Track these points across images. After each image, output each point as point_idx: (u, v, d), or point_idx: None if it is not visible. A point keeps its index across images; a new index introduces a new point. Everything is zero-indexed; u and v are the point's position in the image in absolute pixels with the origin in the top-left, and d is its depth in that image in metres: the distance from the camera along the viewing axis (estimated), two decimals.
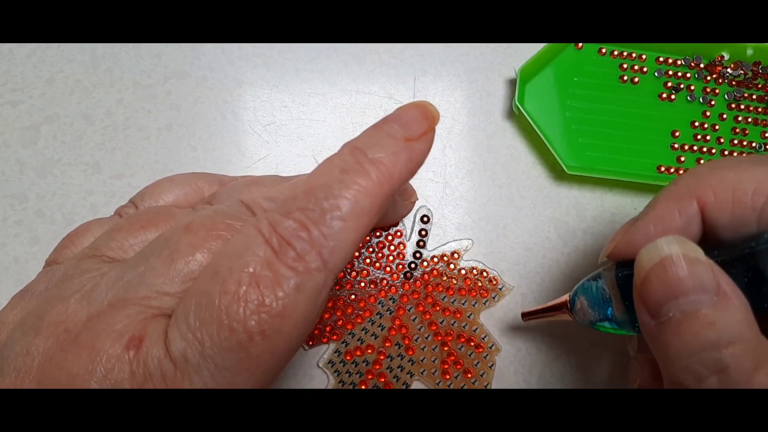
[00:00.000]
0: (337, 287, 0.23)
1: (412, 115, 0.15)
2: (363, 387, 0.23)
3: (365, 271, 0.24)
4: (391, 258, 0.24)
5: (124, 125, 0.25)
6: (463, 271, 0.24)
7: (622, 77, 0.27)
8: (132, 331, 0.13)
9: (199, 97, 0.26)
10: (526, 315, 0.22)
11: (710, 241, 0.16)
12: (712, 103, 0.27)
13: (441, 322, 0.23)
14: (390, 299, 0.24)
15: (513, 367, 0.24)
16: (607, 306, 0.18)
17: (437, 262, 0.24)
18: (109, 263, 0.15)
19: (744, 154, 0.26)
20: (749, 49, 0.27)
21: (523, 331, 0.24)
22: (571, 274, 0.25)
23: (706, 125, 0.26)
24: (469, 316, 0.24)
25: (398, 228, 0.24)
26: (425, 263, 0.24)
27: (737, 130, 0.26)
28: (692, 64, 0.27)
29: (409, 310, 0.24)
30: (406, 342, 0.23)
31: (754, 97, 0.27)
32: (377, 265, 0.24)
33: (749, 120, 0.26)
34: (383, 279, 0.24)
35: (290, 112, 0.26)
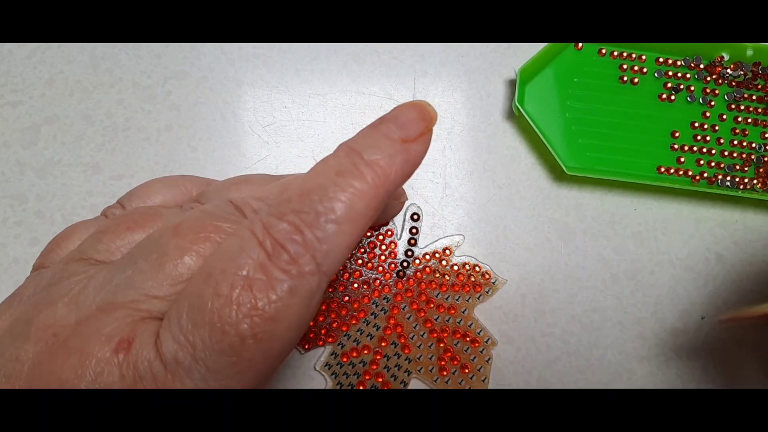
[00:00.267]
0: (330, 289, 0.23)
1: (410, 116, 0.15)
2: (361, 388, 0.23)
3: (358, 272, 0.24)
4: (383, 257, 0.24)
5: (124, 126, 0.25)
6: (455, 267, 0.24)
7: (622, 78, 0.27)
8: (121, 333, 0.13)
9: (199, 97, 0.26)
10: (726, 321, 0.21)
11: None
12: (712, 103, 0.27)
13: (436, 319, 0.23)
14: (384, 299, 0.24)
15: (513, 367, 0.24)
16: None
17: (429, 260, 0.24)
18: (96, 265, 0.15)
19: (744, 155, 0.26)
20: (749, 50, 0.27)
21: (522, 330, 0.24)
22: (571, 275, 0.25)
23: (705, 126, 0.26)
24: (463, 312, 0.24)
25: (389, 227, 0.24)
26: (417, 261, 0.24)
27: (737, 131, 0.26)
28: (692, 65, 0.27)
29: (403, 309, 0.24)
30: (402, 341, 0.23)
31: (754, 97, 0.27)
32: (369, 265, 0.24)
33: (749, 121, 0.27)
34: (376, 279, 0.24)
35: (290, 112, 0.26)
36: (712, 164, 0.26)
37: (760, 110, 0.27)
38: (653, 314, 0.25)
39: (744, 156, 0.26)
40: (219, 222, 0.14)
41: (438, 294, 0.24)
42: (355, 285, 0.24)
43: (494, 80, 0.27)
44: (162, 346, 0.12)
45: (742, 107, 0.27)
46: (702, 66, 0.27)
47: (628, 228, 0.26)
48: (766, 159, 0.26)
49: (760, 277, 0.25)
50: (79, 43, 0.26)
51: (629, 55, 0.27)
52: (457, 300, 0.24)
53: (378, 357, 0.23)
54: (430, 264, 0.24)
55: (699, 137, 0.26)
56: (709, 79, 0.27)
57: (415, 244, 0.24)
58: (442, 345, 0.23)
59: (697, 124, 0.26)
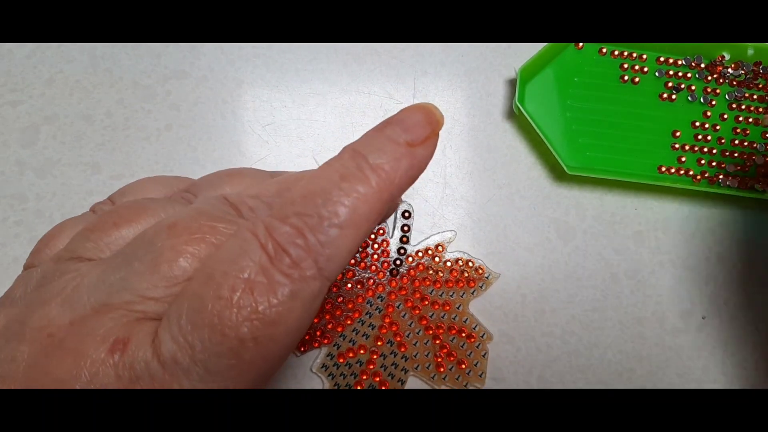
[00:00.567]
0: None
1: (416, 119, 0.15)
2: (358, 388, 0.23)
3: (351, 272, 0.24)
4: (375, 257, 0.24)
5: (124, 125, 0.25)
6: (448, 263, 0.24)
7: (622, 77, 0.27)
8: (116, 334, 0.13)
9: (199, 97, 0.26)
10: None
11: None
12: (713, 103, 0.26)
13: (431, 316, 0.23)
14: (378, 298, 0.24)
15: (513, 367, 0.24)
16: None
17: (422, 257, 0.24)
18: (87, 263, 0.15)
19: (745, 155, 0.26)
20: (750, 49, 0.27)
21: (522, 329, 0.24)
22: (572, 274, 0.25)
23: (706, 125, 0.26)
24: (458, 308, 0.24)
25: (380, 226, 0.24)
26: (410, 259, 0.24)
27: (738, 131, 0.26)
28: (693, 64, 0.27)
29: (398, 307, 0.24)
30: (398, 339, 0.23)
31: (755, 97, 0.27)
32: (362, 264, 0.24)
33: (750, 120, 0.26)
34: (369, 278, 0.24)
35: (290, 112, 0.26)
36: (713, 164, 0.26)
37: (761, 110, 0.27)
38: (653, 314, 0.25)
39: (745, 156, 0.26)
40: (215, 222, 0.14)
41: (432, 291, 0.24)
42: (349, 285, 0.24)
43: (494, 80, 0.27)
44: (161, 346, 0.12)
45: (743, 107, 0.27)
46: (703, 65, 0.27)
47: (629, 228, 0.26)
48: (767, 158, 0.26)
49: (761, 276, 0.25)
50: (79, 43, 0.26)
51: (630, 54, 0.27)
52: (451, 296, 0.24)
53: (374, 356, 0.23)
54: (423, 261, 0.24)
55: (700, 137, 0.26)
56: (709, 78, 0.27)
57: (407, 242, 0.24)
58: (438, 342, 0.23)
59: (698, 124, 0.26)
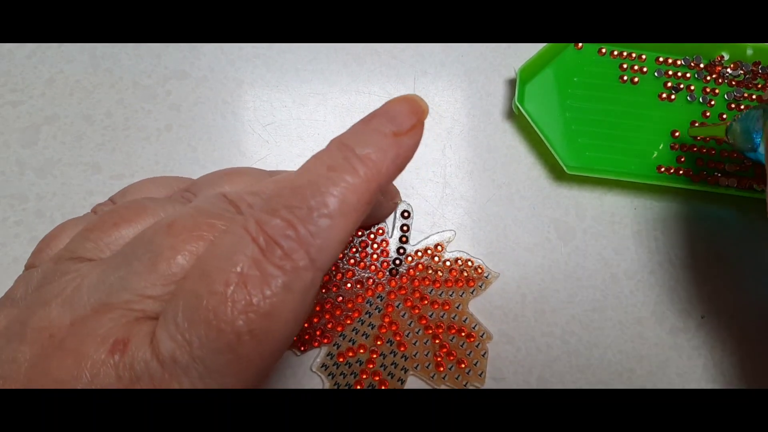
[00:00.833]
0: (323, 290, 0.23)
1: (400, 109, 0.15)
2: (358, 387, 0.23)
3: (350, 272, 0.24)
4: (375, 256, 0.24)
5: (124, 126, 0.25)
6: (447, 263, 0.24)
7: (621, 77, 0.27)
8: (116, 334, 0.13)
9: (199, 97, 0.26)
10: (689, 132, 0.25)
11: None
12: (712, 103, 0.27)
13: (430, 316, 0.23)
14: (378, 297, 0.24)
15: (513, 367, 0.24)
16: (757, 136, 0.21)
17: (421, 256, 0.24)
18: (87, 264, 0.15)
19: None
20: (749, 49, 0.27)
21: (522, 329, 0.24)
22: (572, 274, 0.25)
23: (706, 125, 0.26)
24: (457, 307, 0.24)
25: (380, 226, 0.24)
26: (410, 258, 0.24)
27: None
28: (692, 64, 0.27)
29: (397, 307, 0.24)
30: (398, 338, 0.23)
31: (754, 97, 0.27)
32: (362, 264, 0.24)
33: None
34: (369, 278, 0.24)
35: (290, 112, 0.26)
36: (712, 164, 0.26)
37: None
38: (653, 314, 0.25)
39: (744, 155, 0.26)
40: (213, 219, 0.14)
41: (432, 290, 0.24)
42: (349, 285, 0.24)
43: (494, 80, 0.27)
44: (159, 345, 0.12)
45: (743, 107, 0.27)
46: (702, 65, 0.27)
47: (628, 227, 0.26)
48: None
49: (760, 276, 0.25)
50: (79, 43, 0.26)
51: (629, 54, 0.27)
52: (450, 296, 0.24)
53: (374, 356, 0.23)
54: (422, 261, 0.24)
55: (699, 137, 0.26)
56: (709, 78, 0.27)
57: (406, 242, 0.24)
58: (437, 341, 0.23)
59: (697, 124, 0.26)
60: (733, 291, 0.25)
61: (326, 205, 0.13)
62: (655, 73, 0.27)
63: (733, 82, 0.27)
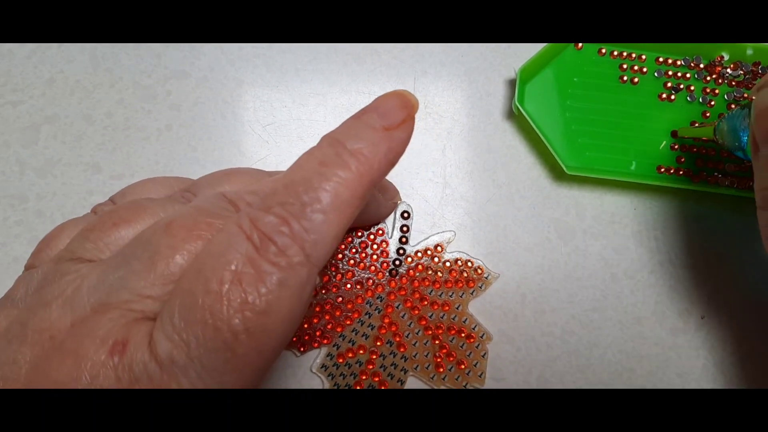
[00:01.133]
0: (323, 291, 0.23)
1: (391, 105, 0.15)
2: (358, 388, 0.23)
3: (350, 273, 0.24)
4: (374, 257, 0.24)
5: (124, 125, 0.25)
6: (447, 263, 0.24)
7: (621, 77, 0.27)
8: (116, 335, 0.13)
9: (199, 97, 0.26)
10: (678, 134, 0.26)
11: None
12: (712, 103, 0.27)
13: (430, 316, 0.23)
14: (377, 298, 0.24)
15: (513, 366, 0.24)
16: (744, 134, 0.21)
17: (421, 257, 0.24)
18: (87, 264, 0.15)
19: None
20: (749, 50, 0.27)
21: (522, 329, 0.24)
22: (572, 274, 0.25)
23: (706, 125, 0.26)
24: (457, 308, 0.24)
25: (379, 226, 0.24)
26: (409, 259, 0.24)
27: None
28: (692, 65, 0.27)
29: (397, 307, 0.24)
30: (397, 339, 0.23)
31: (753, 97, 0.27)
32: (362, 265, 0.24)
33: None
34: (369, 278, 0.24)
35: (290, 112, 0.26)
36: (712, 164, 0.26)
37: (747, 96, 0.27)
38: (653, 314, 0.25)
39: None
40: (211, 219, 0.14)
41: (431, 291, 0.24)
42: (348, 286, 0.24)
43: (494, 80, 0.27)
44: (156, 347, 0.12)
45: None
46: (702, 65, 0.27)
47: (628, 227, 0.26)
48: None
49: (760, 276, 0.25)
50: (79, 43, 0.26)
51: (629, 54, 0.27)
52: (450, 296, 0.24)
53: (374, 356, 0.23)
54: (422, 261, 0.24)
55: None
56: (709, 78, 0.27)
57: (406, 243, 0.24)
58: (437, 342, 0.23)
59: (697, 124, 0.26)
60: (733, 291, 0.25)
61: (319, 200, 0.13)
62: (655, 74, 0.27)
63: (733, 83, 0.27)
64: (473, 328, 0.24)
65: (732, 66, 0.27)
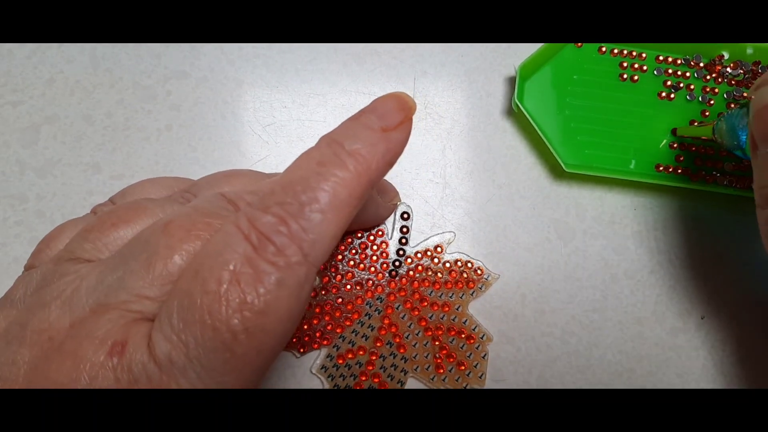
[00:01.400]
0: (323, 292, 0.23)
1: (389, 106, 0.15)
2: (358, 389, 0.23)
3: (350, 274, 0.24)
4: (374, 258, 0.24)
5: (124, 126, 0.25)
6: (447, 264, 0.24)
7: (621, 76, 0.27)
8: (114, 336, 0.13)
9: (199, 97, 0.26)
10: (677, 132, 0.26)
11: None
12: (712, 102, 0.27)
13: (430, 317, 0.23)
14: (377, 299, 0.24)
15: (513, 366, 0.24)
16: (743, 134, 0.21)
17: (421, 258, 0.24)
18: (86, 265, 0.15)
19: None
20: (749, 49, 0.27)
21: (522, 330, 0.24)
22: (572, 275, 0.25)
23: (705, 124, 0.26)
24: (457, 309, 0.24)
25: (379, 227, 0.24)
26: (409, 260, 0.24)
27: None
28: (692, 63, 0.27)
29: (397, 308, 0.24)
30: (397, 340, 0.23)
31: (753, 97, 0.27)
32: (361, 266, 0.24)
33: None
34: (369, 279, 0.24)
35: (290, 112, 0.26)
36: (711, 163, 0.26)
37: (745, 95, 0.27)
38: (653, 314, 0.25)
39: None
40: (210, 219, 0.14)
41: (431, 292, 0.24)
42: (348, 286, 0.24)
43: (494, 80, 0.27)
44: (155, 348, 0.12)
45: None
46: (702, 64, 0.27)
47: (628, 227, 0.26)
48: None
49: (760, 276, 0.25)
50: (79, 43, 0.26)
51: (629, 53, 0.27)
52: (450, 297, 0.24)
53: (374, 357, 0.23)
54: (422, 262, 0.24)
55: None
56: (708, 77, 0.27)
57: (406, 243, 0.24)
58: (437, 343, 0.23)
59: (696, 123, 0.26)
60: (733, 291, 0.25)
61: (317, 200, 0.13)
62: (655, 72, 0.27)
63: (733, 82, 0.27)
64: (473, 329, 0.24)
65: (732, 65, 0.27)
